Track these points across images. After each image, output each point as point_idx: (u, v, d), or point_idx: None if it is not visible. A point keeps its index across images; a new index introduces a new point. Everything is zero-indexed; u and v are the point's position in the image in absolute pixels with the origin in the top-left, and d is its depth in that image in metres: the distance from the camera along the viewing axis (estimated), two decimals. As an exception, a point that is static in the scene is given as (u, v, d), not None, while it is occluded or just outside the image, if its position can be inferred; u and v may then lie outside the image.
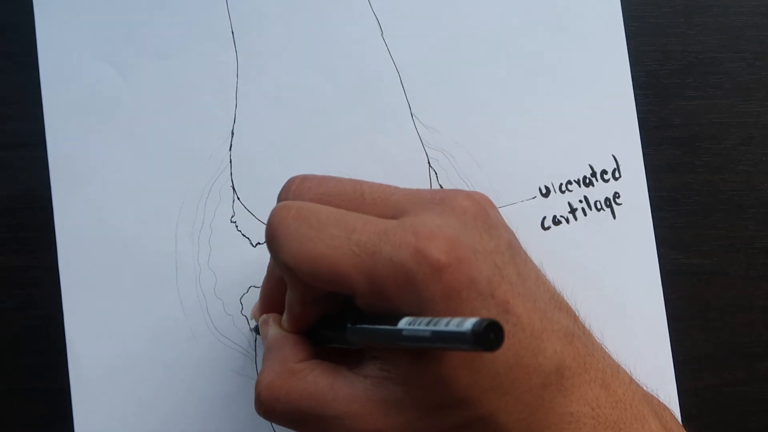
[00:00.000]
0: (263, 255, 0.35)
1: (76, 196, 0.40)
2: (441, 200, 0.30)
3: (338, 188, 0.31)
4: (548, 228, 0.41)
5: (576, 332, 0.30)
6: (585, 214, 0.41)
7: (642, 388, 0.32)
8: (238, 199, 0.40)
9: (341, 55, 0.41)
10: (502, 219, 0.31)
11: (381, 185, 0.31)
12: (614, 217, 0.41)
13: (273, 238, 0.30)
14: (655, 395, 0.34)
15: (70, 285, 0.39)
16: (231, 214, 0.40)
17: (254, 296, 0.40)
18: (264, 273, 0.35)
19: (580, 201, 0.41)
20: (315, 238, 0.29)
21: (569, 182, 0.41)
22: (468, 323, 0.24)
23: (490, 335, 0.24)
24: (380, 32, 0.41)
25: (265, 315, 0.35)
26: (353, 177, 0.34)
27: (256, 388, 0.31)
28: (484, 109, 0.41)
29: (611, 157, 0.41)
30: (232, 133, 0.41)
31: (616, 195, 0.41)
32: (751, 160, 0.42)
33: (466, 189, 0.40)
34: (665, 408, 0.33)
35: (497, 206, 0.31)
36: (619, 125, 0.41)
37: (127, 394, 0.39)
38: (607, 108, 0.41)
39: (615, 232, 0.41)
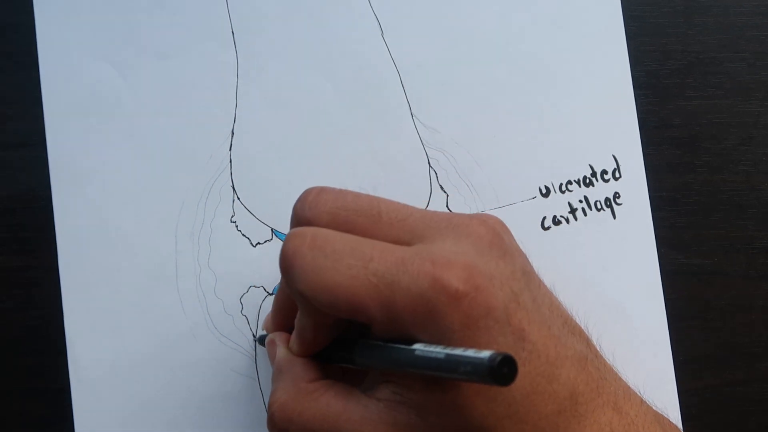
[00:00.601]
0: (263, 255, 0.35)
1: (76, 196, 0.40)
2: (456, 226, 0.29)
3: (355, 204, 0.31)
4: (548, 228, 0.41)
5: (589, 356, 0.30)
6: (585, 214, 0.41)
7: (653, 409, 0.32)
8: (238, 199, 0.40)
9: (341, 55, 0.41)
10: (516, 243, 0.31)
11: (397, 204, 0.31)
12: (614, 217, 0.41)
13: (288, 268, 0.29)
14: (665, 415, 0.33)
15: (70, 285, 0.39)
16: (231, 214, 0.40)
17: (254, 296, 0.40)
18: (264, 273, 0.35)
19: (580, 201, 0.41)
20: (331, 268, 0.28)
21: (569, 182, 0.41)
22: (483, 356, 0.24)
23: (504, 369, 0.24)
24: (380, 32, 0.41)
25: (271, 335, 0.35)
26: (353, 177, 0.34)
27: (269, 409, 0.31)
28: (484, 109, 0.41)
29: (611, 157, 0.41)
30: (232, 133, 0.41)
31: (616, 195, 0.41)
32: (751, 160, 0.42)
33: (467, 190, 0.40)
34: (676, 428, 0.33)
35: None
36: (619, 125, 0.41)
37: (127, 394, 0.39)
38: (607, 108, 0.41)
39: (615, 232, 0.41)
